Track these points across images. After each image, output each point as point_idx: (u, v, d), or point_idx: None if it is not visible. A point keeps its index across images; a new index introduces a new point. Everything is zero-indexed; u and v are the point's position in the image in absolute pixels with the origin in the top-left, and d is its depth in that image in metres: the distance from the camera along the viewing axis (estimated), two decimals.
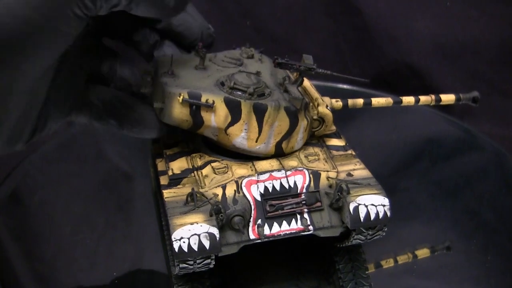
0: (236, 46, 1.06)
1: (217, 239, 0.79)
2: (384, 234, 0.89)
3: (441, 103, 1.03)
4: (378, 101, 0.99)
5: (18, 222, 1.13)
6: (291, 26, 1.70)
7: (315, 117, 0.95)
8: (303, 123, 0.91)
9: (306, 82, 1.00)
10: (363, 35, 1.66)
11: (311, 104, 0.95)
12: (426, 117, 1.49)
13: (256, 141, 0.89)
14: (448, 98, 1.04)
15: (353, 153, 0.95)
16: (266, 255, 0.96)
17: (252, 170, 0.88)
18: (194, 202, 0.82)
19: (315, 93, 0.98)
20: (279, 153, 0.92)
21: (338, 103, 0.98)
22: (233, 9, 1.67)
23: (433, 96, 1.03)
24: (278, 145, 0.90)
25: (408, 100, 1.02)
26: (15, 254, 1.05)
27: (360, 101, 0.99)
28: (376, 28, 1.63)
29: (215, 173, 0.88)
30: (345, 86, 1.62)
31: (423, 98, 1.03)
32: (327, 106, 0.95)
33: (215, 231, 0.79)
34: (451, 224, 1.11)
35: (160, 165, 0.95)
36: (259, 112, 0.87)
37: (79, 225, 1.12)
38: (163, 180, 0.90)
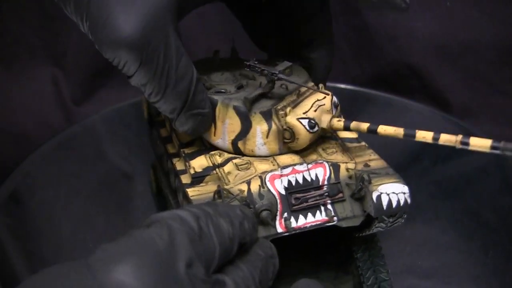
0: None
1: None
2: (403, 221, 0.91)
3: (469, 147, 0.78)
4: (386, 129, 0.85)
5: (18, 222, 1.13)
6: None
7: (285, 126, 0.91)
8: (260, 128, 0.91)
9: (313, 95, 0.94)
10: (363, 35, 1.65)
11: (281, 112, 0.90)
12: (426, 117, 1.48)
13: (214, 135, 0.93)
14: (480, 143, 0.77)
15: (366, 144, 0.97)
16: (284, 249, 0.97)
17: (274, 165, 0.90)
18: (221, 199, 0.84)
19: (304, 104, 0.92)
20: (239, 153, 0.93)
21: (339, 123, 0.91)
22: None
23: (459, 138, 0.79)
24: (234, 144, 0.92)
25: (424, 135, 0.83)
26: (15, 254, 1.05)
27: (365, 126, 0.88)
28: (376, 28, 1.63)
29: (238, 170, 0.89)
30: (343, 86, 1.61)
31: (445, 137, 0.80)
32: (299, 119, 0.89)
33: None
34: (451, 224, 1.11)
35: (179, 165, 0.96)
36: (212, 106, 0.92)
37: (79, 225, 1.12)
38: (185, 179, 0.91)
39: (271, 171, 0.88)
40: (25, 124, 1.58)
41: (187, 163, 0.92)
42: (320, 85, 0.96)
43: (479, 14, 1.59)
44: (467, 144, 0.77)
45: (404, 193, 0.86)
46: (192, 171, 0.90)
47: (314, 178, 0.88)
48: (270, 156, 0.93)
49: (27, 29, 1.64)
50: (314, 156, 0.92)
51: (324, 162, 0.90)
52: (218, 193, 0.85)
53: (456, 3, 1.60)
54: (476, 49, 1.61)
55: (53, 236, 1.10)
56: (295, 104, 0.92)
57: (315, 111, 0.92)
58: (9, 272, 1.00)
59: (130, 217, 1.16)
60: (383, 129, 0.85)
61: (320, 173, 0.89)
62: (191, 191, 0.88)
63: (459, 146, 0.78)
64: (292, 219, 0.86)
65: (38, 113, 1.61)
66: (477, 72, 1.63)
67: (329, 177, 0.89)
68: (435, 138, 0.81)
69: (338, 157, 0.92)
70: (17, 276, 1.00)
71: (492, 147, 0.76)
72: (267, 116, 0.91)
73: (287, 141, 0.91)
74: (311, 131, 0.90)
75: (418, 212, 1.11)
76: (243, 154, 0.93)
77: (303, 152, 0.93)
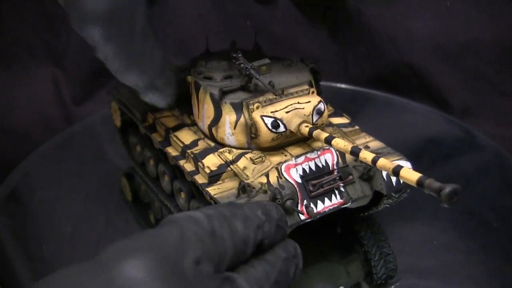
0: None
1: None
2: (405, 195, 0.98)
3: (399, 177, 0.80)
4: (337, 142, 0.86)
5: (18, 222, 1.13)
6: (291, 26, 1.70)
7: (251, 121, 0.91)
8: (228, 118, 0.93)
9: (297, 97, 0.94)
10: (363, 35, 1.65)
11: (251, 106, 0.91)
12: (426, 117, 1.48)
13: (198, 117, 0.98)
14: (409, 175, 0.78)
15: (358, 127, 1.02)
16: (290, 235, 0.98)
17: (286, 155, 0.93)
18: (247, 193, 0.86)
19: (280, 104, 0.92)
20: (213, 139, 0.97)
21: (305, 129, 0.91)
22: (233, 9, 1.67)
23: (392, 165, 0.79)
24: (210, 129, 0.96)
25: (365, 156, 0.82)
26: (15, 254, 1.05)
27: (323, 135, 0.88)
28: (376, 28, 1.63)
29: (254, 163, 0.91)
30: (343, 86, 1.62)
31: (381, 162, 0.80)
32: (263, 116, 0.90)
33: None
34: (451, 224, 1.11)
35: (188, 166, 0.96)
36: (197, 89, 0.97)
37: (79, 225, 1.12)
38: (201, 179, 0.92)
39: (285, 161, 0.91)
40: (25, 123, 1.58)
41: (199, 163, 0.93)
42: (311, 90, 0.96)
43: (479, 14, 1.59)
44: (397, 174, 0.78)
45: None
46: (207, 170, 0.91)
47: (324, 164, 0.92)
48: (240, 148, 0.94)
49: (27, 29, 1.64)
50: (319, 144, 0.94)
51: (331, 148, 0.93)
52: (243, 188, 0.86)
53: (456, 3, 1.60)
54: (476, 49, 1.61)
55: (53, 236, 1.10)
56: (270, 102, 0.92)
57: (287, 112, 0.91)
58: (9, 272, 1.00)
59: (130, 217, 1.16)
60: (336, 142, 0.87)
61: (329, 158, 0.93)
62: (212, 190, 0.89)
63: (391, 174, 0.79)
64: (313, 205, 0.89)
65: (38, 113, 1.62)
66: (477, 72, 1.63)
67: (337, 162, 0.93)
68: (373, 161, 0.81)
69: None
70: (17, 276, 1.00)
71: (418, 183, 0.76)
72: (237, 107, 0.93)
73: (253, 136, 0.93)
74: (273, 130, 0.91)
75: (418, 212, 1.11)
76: (216, 141, 0.96)
77: (308, 141, 0.95)
